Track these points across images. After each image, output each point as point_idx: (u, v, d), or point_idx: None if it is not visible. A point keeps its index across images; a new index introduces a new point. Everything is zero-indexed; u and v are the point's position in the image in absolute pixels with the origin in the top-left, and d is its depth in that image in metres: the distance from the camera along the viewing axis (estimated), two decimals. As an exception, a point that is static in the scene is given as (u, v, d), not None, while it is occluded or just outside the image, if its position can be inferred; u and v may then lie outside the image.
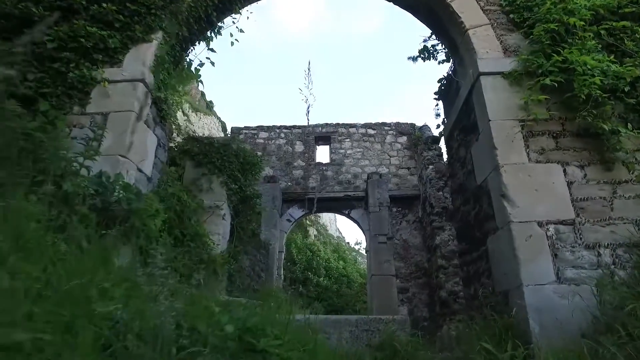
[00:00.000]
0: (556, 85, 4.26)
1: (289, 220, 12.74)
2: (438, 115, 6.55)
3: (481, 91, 4.62)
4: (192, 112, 46.95)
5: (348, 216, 12.90)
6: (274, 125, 14.08)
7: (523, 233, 3.90)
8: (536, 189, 4.10)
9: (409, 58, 6.48)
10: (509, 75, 4.62)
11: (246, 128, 14.21)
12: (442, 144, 8.80)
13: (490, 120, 4.43)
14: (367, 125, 13.92)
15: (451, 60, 5.92)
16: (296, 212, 12.84)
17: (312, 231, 61.77)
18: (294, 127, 14.04)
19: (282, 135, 13.90)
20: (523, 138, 4.34)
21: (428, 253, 11.77)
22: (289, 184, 13.15)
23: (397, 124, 13.93)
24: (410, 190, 12.82)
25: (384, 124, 13.93)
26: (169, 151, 6.53)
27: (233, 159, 6.60)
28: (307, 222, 60.33)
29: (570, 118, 4.41)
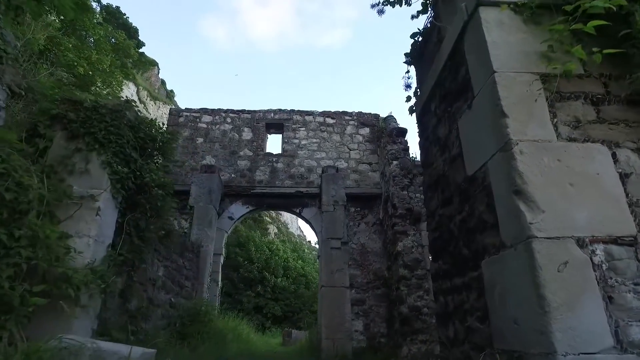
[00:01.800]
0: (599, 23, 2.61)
1: (230, 218, 10.82)
2: (408, 86, 4.83)
3: (480, 30, 2.90)
4: (150, 100, 43.80)
5: (299, 215, 11.11)
6: (219, 109, 12.08)
7: (553, 257, 2.21)
8: (571, 182, 2.42)
9: (372, 6, 4.72)
10: (524, 7, 2.94)
11: (187, 110, 12.15)
12: (410, 134, 7.24)
13: (495, 72, 2.71)
14: (325, 114, 12.16)
15: (430, 1, 4.19)
16: (239, 209, 10.94)
17: (272, 229, 59.86)
18: (243, 111, 12.10)
19: (229, 120, 11.94)
20: (547, 102, 2.67)
21: (388, 260, 10.15)
22: (233, 175, 11.22)
23: (360, 113, 12.24)
24: (371, 189, 11.17)
25: (344, 112, 12.21)
26: (30, 115, 4.52)
27: (126, 132, 4.64)
28: (268, 219, 58.59)
29: (618, 76, 2.78)
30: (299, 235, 75.30)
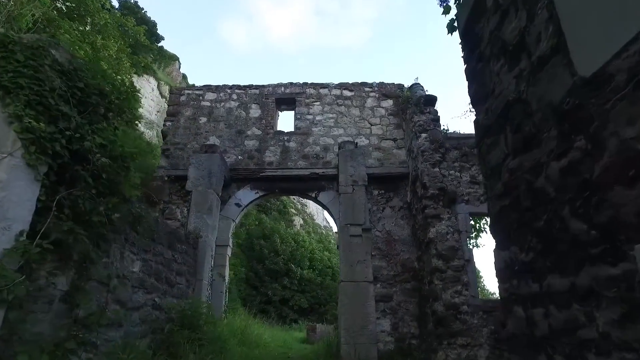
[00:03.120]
0: None
1: (238, 205, 9.50)
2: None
3: None
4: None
5: (315, 200, 9.68)
6: (224, 85, 10.73)
7: None
8: None
9: None
10: None
11: (189, 88, 10.88)
12: (440, 104, 5.74)
13: None
14: (342, 86, 10.64)
15: None
16: (248, 194, 9.59)
17: (298, 220, 58.68)
18: (250, 86, 10.71)
19: (234, 96, 10.58)
20: None
21: (419, 250, 8.62)
22: (240, 157, 9.88)
23: (381, 84, 10.66)
24: (397, 168, 9.63)
25: (364, 84, 10.65)
26: None
27: (51, 77, 3.30)
28: (293, 210, 57.52)
29: None
30: (325, 227, 74.18)
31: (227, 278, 9.08)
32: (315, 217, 75.76)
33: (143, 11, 37.11)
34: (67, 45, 11.23)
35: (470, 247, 7.71)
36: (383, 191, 9.61)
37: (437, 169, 8.18)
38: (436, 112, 8.84)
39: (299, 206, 69.48)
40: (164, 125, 10.38)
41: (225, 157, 9.79)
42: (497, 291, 7.27)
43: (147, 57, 26.82)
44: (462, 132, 8.75)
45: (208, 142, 9.47)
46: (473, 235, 10.39)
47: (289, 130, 10.23)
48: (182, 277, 6.62)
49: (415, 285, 8.62)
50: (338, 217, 8.65)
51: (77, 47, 13.32)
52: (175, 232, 6.54)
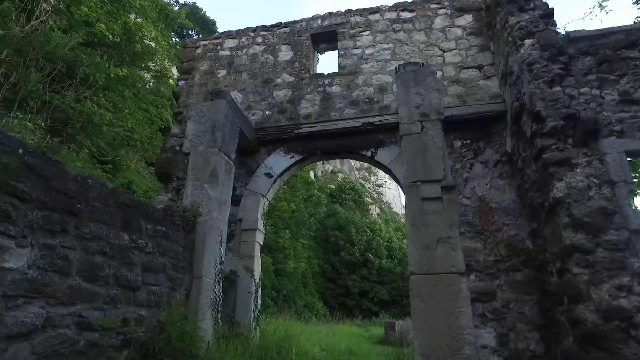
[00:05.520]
0: None
1: (268, 176, 6.92)
2: None
3: None
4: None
5: (372, 161, 6.78)
6: (247, 28, 8.16)
7: None
8: None
9: None
10: None
11: (206, 38, 8.50)
12: None
13: None
14: (399, 6, 7.54)
15: None
16: (280, 160, 6.97)
17: (374, 209, 55.44)
18: (278, 25, 8.00)
19: (259, 39, 7.96)
20: None
21: (533, 220, 5.41)
22: (268, 113, 7.27)
23: (455, -4, 7.45)
24: (487, 106, 6.41)
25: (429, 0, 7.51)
26: None
27: None
28: (369, 199, 54.27)
29: None
30: (403, 215, 70.31)
31: (258, 274, 6.53)
32: (392, 205, 72.42)
33: (202, 12, 36.69)
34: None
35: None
36: (468, 141, 6.46)
37: (557, 88, 4.92)
38: (545, 4, 5.53)
39: (375, 195, 66.60)
40: (177, 85, 8.11)
41: (249, 115, 7.25)
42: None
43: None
44: (595, 29, 5.31)
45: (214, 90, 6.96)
46: None
47: (330, 73, 7.41)
48: (158, 274, 4.13)
49: (531, 276, 5.42)
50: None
51: (96, 21, 11.66)
52: (140, 204, 4.05)
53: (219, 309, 4.98)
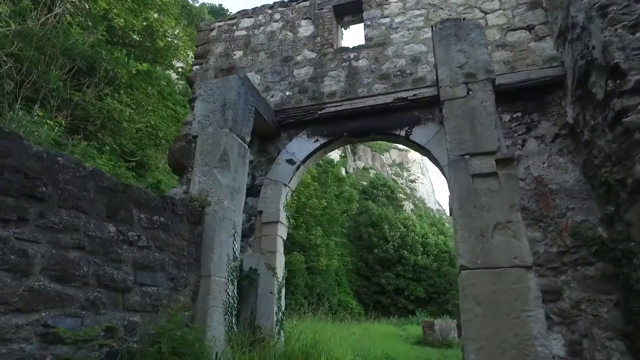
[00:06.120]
0: None
1: (290, 162, 6.17)
2: None
3: None
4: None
5: (407, 142, 5.90)
6: (263, 5, 7.44)
7: None
8: None
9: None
10: None
11: (221, 19, 7.84)
12: None
13: None
14: (432, -34, 6.64)
15: None
16: (304, 144, 6.20)
17: (408, 205, 53.81)
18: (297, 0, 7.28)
19: (277, 16, 7.21)
20: None
21: (608, 202, 4.39)
22: (288, 93, 6.51)
23: (497, -50, 6.44)
24: (540, 71, 5.40)
25: (467, -44, 6.54)
26: None
27: None
28: (402, 195, 52.68)
29: None
30: (437, 210, 68.40)
31: (281, 272, 5.77)
32: (426, 201, 70.37)
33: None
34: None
35: None
36: (519, 114, 5.47)
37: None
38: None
39: (408, 191, 64.88)
40: (191, 71, 7.50)
41: (267, 97, 6.52)
42: None
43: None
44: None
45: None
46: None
47: (356, 46, 6.57)
48: (155, 273, 3.44)
49: (607, 270, 4.40)
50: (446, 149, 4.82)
51: (114, 15, 11.30)
52: (130, 189, 3.37)
53: (233, 312, 4.26)
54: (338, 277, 28.56)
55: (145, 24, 12.90)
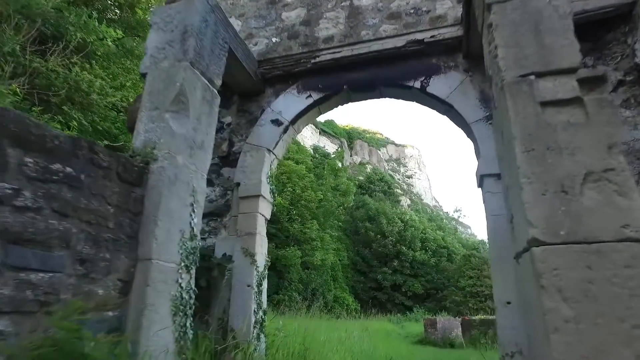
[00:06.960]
0: None
1: (276, 123, 4.89)
2: None
3: None
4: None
5: (423, 94, 4.62)
6: (248, -59, 6.15)
7: None
8: None
9: None
10: None
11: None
12: None
13: None
14: None
15: None
16: (293, 101, 4.92)
17: (405, 201, 52.62)
18: None
19: (263, -49, 5.93)
20: None
21: None
22: (275, 40, 5.22)
23: None
24: (596, 1, 4.15)
25: None
26: None
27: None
28: (399, 191, 51.43)
29: None
30: (434, 206, 67.20)
31: (262, 259, 4.48)
32: (423, 197, 69.18)
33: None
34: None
35: None
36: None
37: None
38: None
39: (405, 186, 63.68)
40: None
41: (250, 45, 5.20)
42: None
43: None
44: None
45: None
46: None
47: (358, -18, 5.27)
48: (50, 251, 2.16)
49: None
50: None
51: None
52: (6, 116, 2.08)
53: (189, 311, 2.96)
54: (334, 272, 27.32)
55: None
